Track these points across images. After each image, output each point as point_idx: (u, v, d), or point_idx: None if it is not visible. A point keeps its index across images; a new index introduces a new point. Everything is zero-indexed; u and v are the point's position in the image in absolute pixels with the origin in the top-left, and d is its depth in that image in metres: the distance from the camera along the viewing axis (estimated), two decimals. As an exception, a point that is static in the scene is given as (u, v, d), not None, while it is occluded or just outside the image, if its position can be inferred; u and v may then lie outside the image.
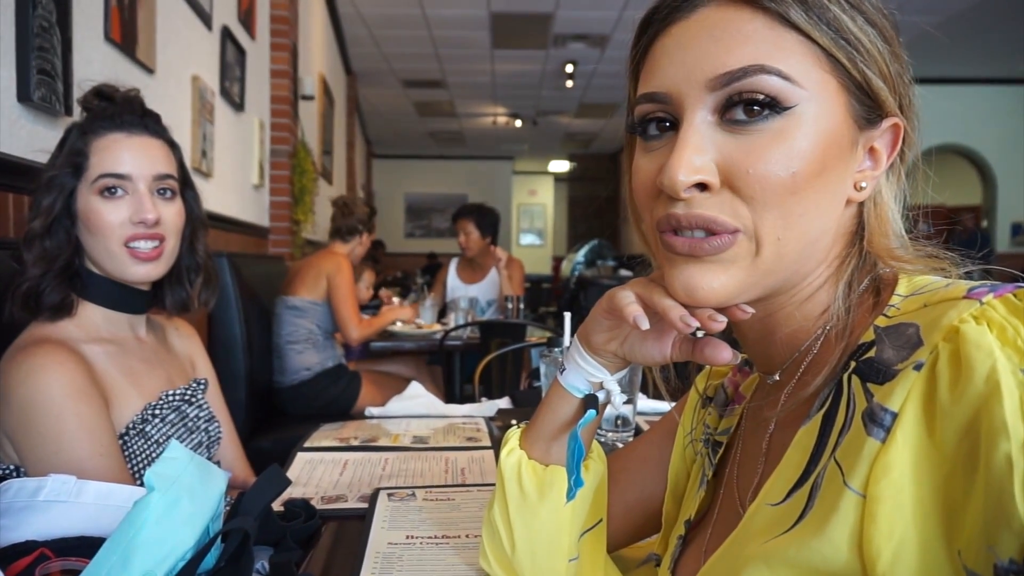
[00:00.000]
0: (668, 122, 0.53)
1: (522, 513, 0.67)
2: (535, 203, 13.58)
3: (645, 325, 0.55)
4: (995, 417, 0.37)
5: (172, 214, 1.13)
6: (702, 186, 0.50)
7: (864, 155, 0.53)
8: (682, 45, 0.52)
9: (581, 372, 0.65)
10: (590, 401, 0.65)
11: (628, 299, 0.57)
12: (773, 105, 0.48)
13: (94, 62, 1.69)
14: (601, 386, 0.65)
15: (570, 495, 0.63)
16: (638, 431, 1.30)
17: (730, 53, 0.49)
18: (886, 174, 0.54)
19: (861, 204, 0.54)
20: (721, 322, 0.52)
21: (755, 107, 0.49)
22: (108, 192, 1.07)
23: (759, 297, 0.53)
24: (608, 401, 0.65)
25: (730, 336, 0.62)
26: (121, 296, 1.13)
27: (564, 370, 0.67)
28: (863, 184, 0.53)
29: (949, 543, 0.40)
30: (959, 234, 7.21)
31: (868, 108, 0.51)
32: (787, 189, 0.49)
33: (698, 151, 0.50)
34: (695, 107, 0.51)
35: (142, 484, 0.83)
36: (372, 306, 3.80)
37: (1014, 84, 8.05)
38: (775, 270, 0.51)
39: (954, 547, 0.39)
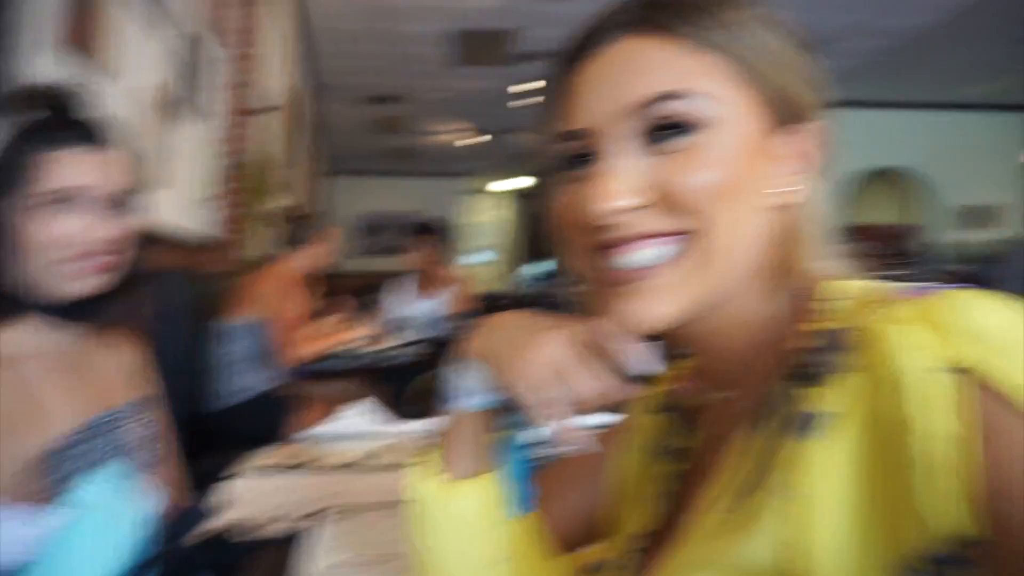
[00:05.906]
0: (589, 156, 0.53)
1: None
2: (494, 220, 13.60)
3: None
4: (913, 415, 0.40)
5: (123, 227, 1.10)
6: (634, 209, 0.50)
7: (787, 160, 0.53)
8: (600, 78, 0.52)
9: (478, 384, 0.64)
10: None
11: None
12: (692, 124, 0.49)
13: (47, 68, 1.63)
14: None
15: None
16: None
17: (643, 80, 0.50)
18: (812, 178, 0.55)
19: (785, 210, 0.54)
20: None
21: (675, 128, 0.50)
22: (60, 204, 1.03)
23: (697, 313, 0.52)
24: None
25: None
26: (59, 309, 1.09)
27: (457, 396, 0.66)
28: (787, 188, 0.53)
29: (883, 540, 0.41)
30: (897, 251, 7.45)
31: (787, 114, 0.52)
32: (721, 195, 0.49)
33: (624, 177, 0.50)
34: (617, 137, 0.51)
35: (61, 511, 0.79)
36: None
37: (953, 109, 8.32)
38: (716, 280, 0.51)
39: (888, 544, 0.41)
